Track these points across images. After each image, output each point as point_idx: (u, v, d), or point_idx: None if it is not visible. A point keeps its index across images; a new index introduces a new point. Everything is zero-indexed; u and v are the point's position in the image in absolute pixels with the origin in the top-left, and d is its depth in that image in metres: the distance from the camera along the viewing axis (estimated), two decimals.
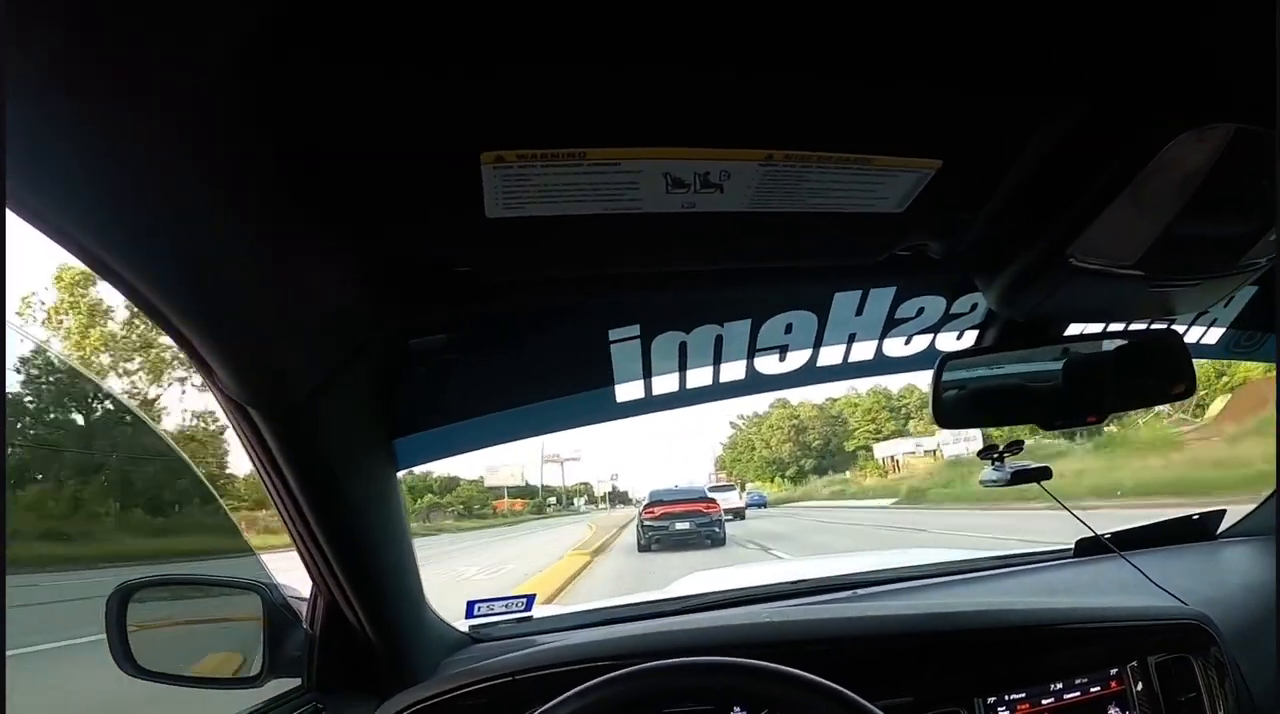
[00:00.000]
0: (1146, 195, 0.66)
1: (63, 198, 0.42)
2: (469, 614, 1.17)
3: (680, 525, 9.37)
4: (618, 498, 49.77)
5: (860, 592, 1.20)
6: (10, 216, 0.36)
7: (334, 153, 0.51)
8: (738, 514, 18.21)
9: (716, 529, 9.74)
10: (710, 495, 12.05)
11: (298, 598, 0.96)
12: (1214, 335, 1.20)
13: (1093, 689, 0.95)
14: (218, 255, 0.52)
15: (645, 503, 11.41)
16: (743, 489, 31.97)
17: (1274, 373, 1.42)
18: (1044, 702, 0.93)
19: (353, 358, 0.75)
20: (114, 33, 0.33)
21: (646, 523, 9.97)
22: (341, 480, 0.80)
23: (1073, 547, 1.30)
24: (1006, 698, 0.92)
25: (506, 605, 1.16)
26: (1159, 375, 0.94)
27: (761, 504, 27.28)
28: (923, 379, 0.92)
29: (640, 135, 0.53)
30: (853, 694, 0.67)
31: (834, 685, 0.67)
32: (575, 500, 47.79)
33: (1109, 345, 0.95)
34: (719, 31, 0.45)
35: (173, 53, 0.36)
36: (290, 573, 0.97)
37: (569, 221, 0.62)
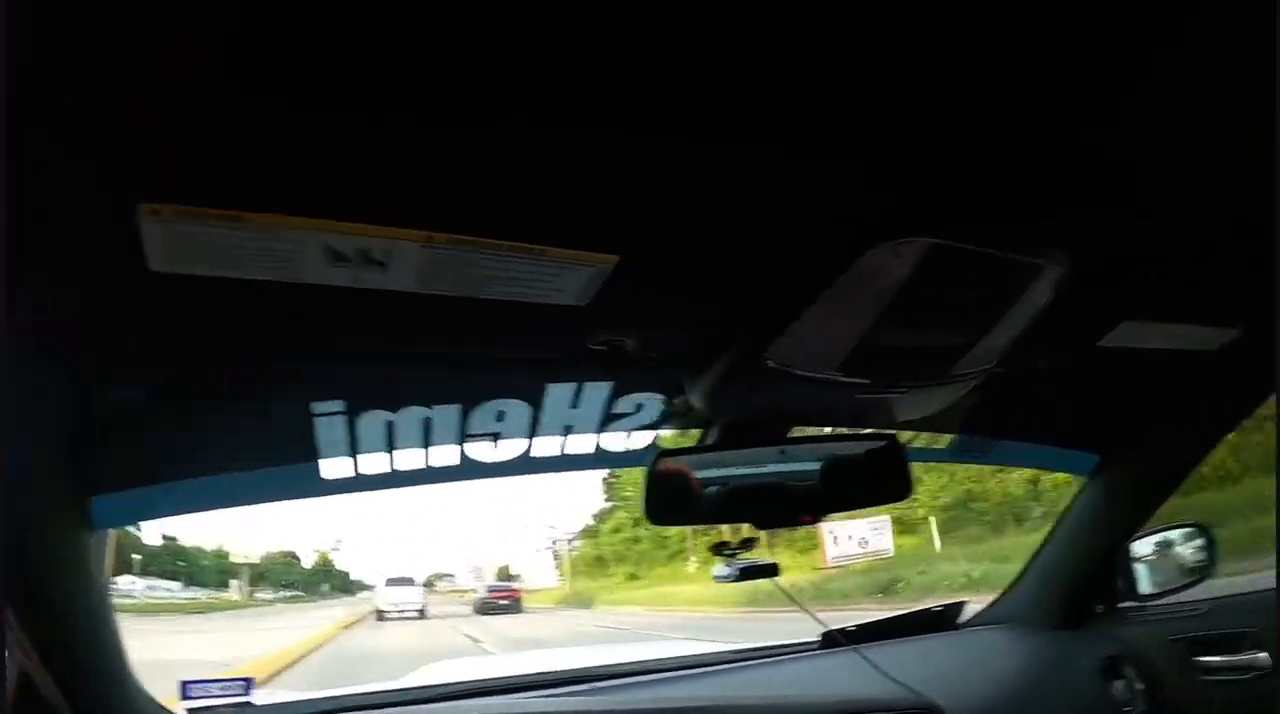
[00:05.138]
0: (843, 302, 0.64)
1: None
2: (184, 695, 1.05)
3: (502, 602, 16.14)
4: (325, 582, 26.19)
5: (597, 685, 1.17)
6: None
7: None
8: None
9: (517, 603, 16.44)
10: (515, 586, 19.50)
11: None
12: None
13: None
14: None
15: (489, 587, 18.54)
16: None
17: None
18: None
19: (32, 409, 0.68)
20: None
21: (486, 600, 16.36)
22: (22, 540, 0.71)
23: (820, 639, 1.36)
24: None
25: (224, 688, 1.06)
26: (877, 480, 1.00)
27: None
28: None
29: (297, 203, 0.52)
30: None
31: None
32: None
33: (826, 450, 1.00)
34: (372, 89, 0.44)
35: None
36: None
37: (235, 285, 0.59)
